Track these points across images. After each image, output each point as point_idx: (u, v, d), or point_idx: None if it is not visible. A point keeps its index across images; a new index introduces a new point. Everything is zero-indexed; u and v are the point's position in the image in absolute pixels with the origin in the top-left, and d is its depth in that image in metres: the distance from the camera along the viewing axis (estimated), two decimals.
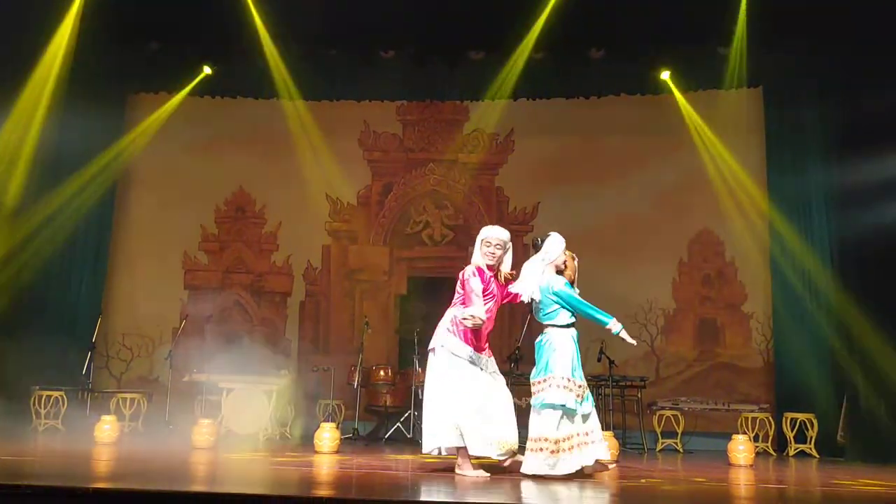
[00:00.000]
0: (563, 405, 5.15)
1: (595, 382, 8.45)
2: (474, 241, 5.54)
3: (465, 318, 5.14)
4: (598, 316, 5.31)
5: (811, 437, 8.92)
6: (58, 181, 10.00)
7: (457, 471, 5.23)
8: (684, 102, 10.38)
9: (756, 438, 8.89)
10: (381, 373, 9.62)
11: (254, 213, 11.43)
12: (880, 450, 8.16)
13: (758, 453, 7.97)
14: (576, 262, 5.61)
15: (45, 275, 10.06)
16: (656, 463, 7.50)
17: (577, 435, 5.22)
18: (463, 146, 11.40)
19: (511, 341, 9.31)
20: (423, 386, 5.60)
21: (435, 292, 9.92)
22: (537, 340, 5.42)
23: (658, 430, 9.27)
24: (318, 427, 7.26)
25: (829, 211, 9.67)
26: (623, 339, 5.33)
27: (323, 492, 4.34)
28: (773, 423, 9.21)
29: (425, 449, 5.30)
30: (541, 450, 5.13)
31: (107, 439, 7.23)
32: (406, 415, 9.24)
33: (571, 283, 5.50)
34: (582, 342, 5.45)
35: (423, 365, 5.98)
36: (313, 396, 9.83)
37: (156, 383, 10.45)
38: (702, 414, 9.74)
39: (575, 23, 9.35)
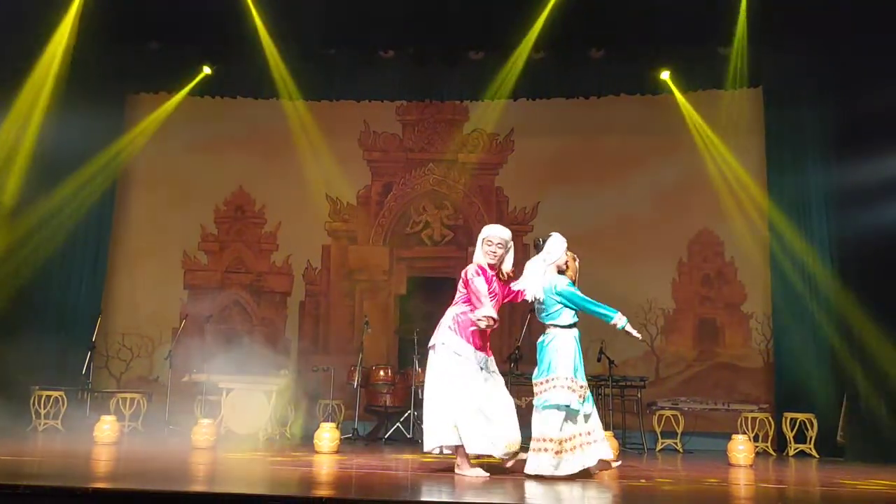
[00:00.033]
0: (568, 406, 5.15)
1: (595, 382, 8.44)
2: (474, 241, 5.53)
3: (479, 320, 5.12)
4: (603, 311, 5.30)
5: (811, 437, 8.92)
6: (57, 181, 10.01)
7: (456, 471, 5.22)
8: (684, 102, 10.38)
9: (756, 438, 8.90)
10: (381, 373, 9.62)
11: (253, 212, 11.43)
12: (880, 450, 8.16)
13: (757, 453, 7.97)
14: (577, 263, 5.60)
15: (44, 275, 10.07)
16: (656, 463, 7.50)
17: (580, 435, 5.22)
18: (463, 146, 11.40)
19: (511, 341, 9.31)
20: (422, 386, 5.58)
21: (435, 292, 9.94)
22: (539, 341, 5.41)
23: (658, 430, 9.27)
24: (318, 427, 7.25)
25: (829, 211, 9.68)
26: (628, 333, 5.31)
27: (323, 492, 4.33)
28: (772, 423, 9.22)
29: (426, 448, 5.28)
30: (545, 450, 5.12)
31: (106, 439, 7.22)
32: (406, 415, 9.24)
33: (573, 284, 5.50)
34: (582, 342, 5.44)
35: (423, 365, 5.97)
36: (313, 396, 9.82)
37: (156, 383, 10.45)
38: (701, 414, 9.74)
39: (575, 23, 9.37)
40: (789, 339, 9.75)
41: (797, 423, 8.99)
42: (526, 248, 9.12)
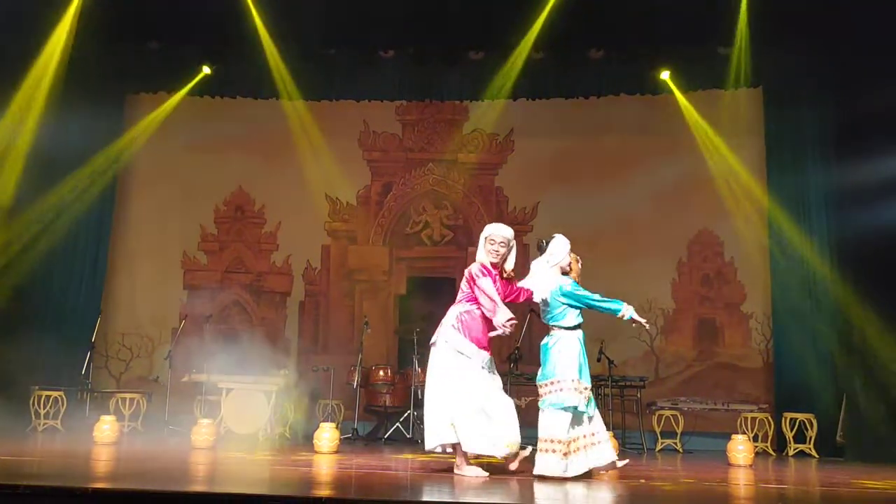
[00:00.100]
0: (575, 407, 5.15)
1: (595, 382, 8.34)
2: (474, 241, 5.51)
3: (503, 326, 5.12)
4: (610, 306, 5.29)
5: (810, 437, 8.92)
6: (55, 180, 10.00)
7: (455, 471, 5.22)
8: (684, 102, 10.38)
9: (755, 438, 8.90)
10: (381, 373, 9.61)
11: (253, 212, 11.42)
12: (880, 450, 8.15)
13: (757, 453, 7.96)
14: (580, 265, 5.60)
15: (44, 274, 10.07)
16: (656, 463, 7.50)
17: (585, 436, 5.24)
18: (462, 146, 11.39)
19: (511, 341, 9.29)
20: (422, 386, 5.58)
21: (434, 292, 9.96)
22: (543, 342, 5.40)
23: (657, 430, 9.27)
24: (318, 427, 7.25)
25: (829, 210, 9.68)
26: (637, 322, 5.28)
27: (322, 492, 4.33)
28: (772, 423, 9.22)
29: (427, 447, 5.27)
30: (553, 451, 5.12)
31: (106, 439, 7.22)
32: (405, 415, 9.23)
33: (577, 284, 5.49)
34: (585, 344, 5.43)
35: (423, 365, 5.97)
36: (313, 396, 9.82)
37: (155, 383, 10.43)
38: (701, 414, 9.74)
39: (575, 23, 9.37)
40: (789, 339, 9.75)
41: (797, 423, 8.99)
42: (525, 248, 9.11)
